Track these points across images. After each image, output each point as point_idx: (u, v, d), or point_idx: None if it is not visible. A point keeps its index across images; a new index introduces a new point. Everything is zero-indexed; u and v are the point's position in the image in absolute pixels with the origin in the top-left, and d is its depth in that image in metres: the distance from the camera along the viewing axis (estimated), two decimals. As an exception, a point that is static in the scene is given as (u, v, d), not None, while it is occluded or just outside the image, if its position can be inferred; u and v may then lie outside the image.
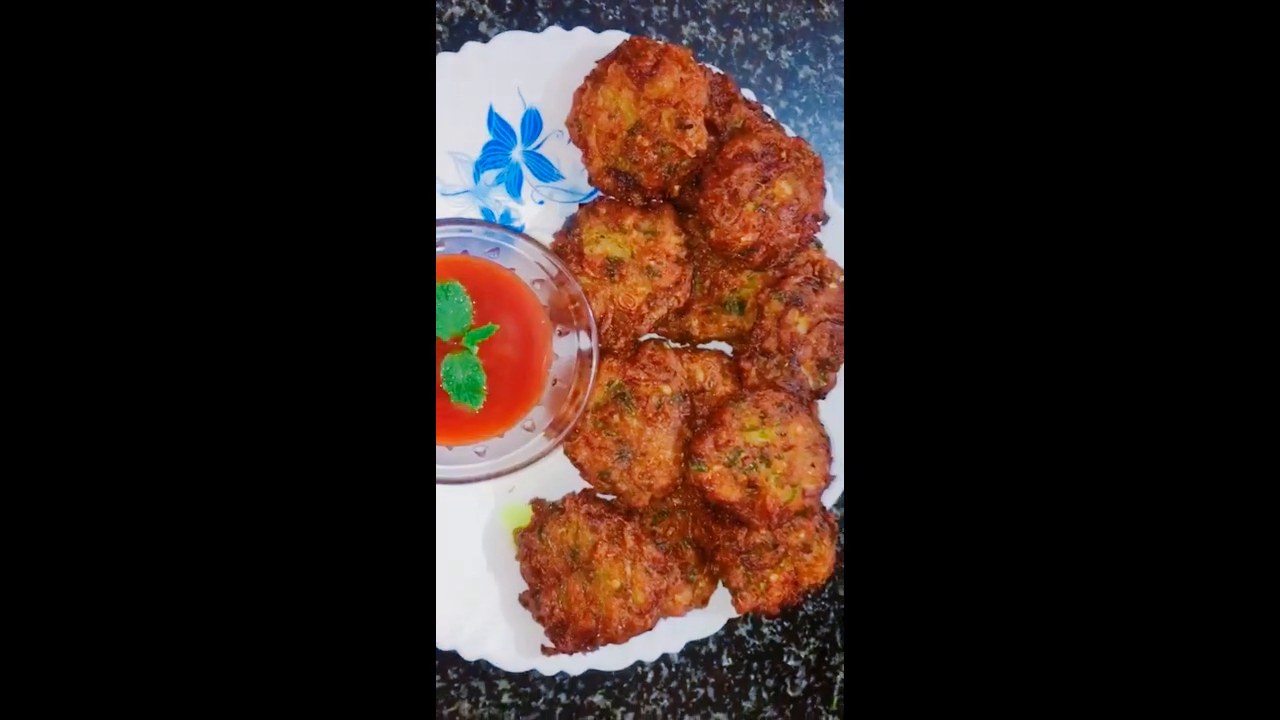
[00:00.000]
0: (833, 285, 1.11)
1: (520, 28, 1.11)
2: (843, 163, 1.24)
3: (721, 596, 1.14)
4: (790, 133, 1.10)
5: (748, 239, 1.05)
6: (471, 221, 1.04)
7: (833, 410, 1.14)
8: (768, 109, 1.12)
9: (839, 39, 1.24)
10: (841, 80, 1.24)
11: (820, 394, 1.13)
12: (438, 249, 1.00)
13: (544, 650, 1.07)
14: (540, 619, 1.07)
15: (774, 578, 1.11)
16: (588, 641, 1.05)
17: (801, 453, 1.07)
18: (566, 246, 1.07)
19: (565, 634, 1.05)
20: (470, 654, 1.08)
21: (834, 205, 1.13)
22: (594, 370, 1.02)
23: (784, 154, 1.06)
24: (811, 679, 1.29)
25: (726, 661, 1.26)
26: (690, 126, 1.02)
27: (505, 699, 1.16)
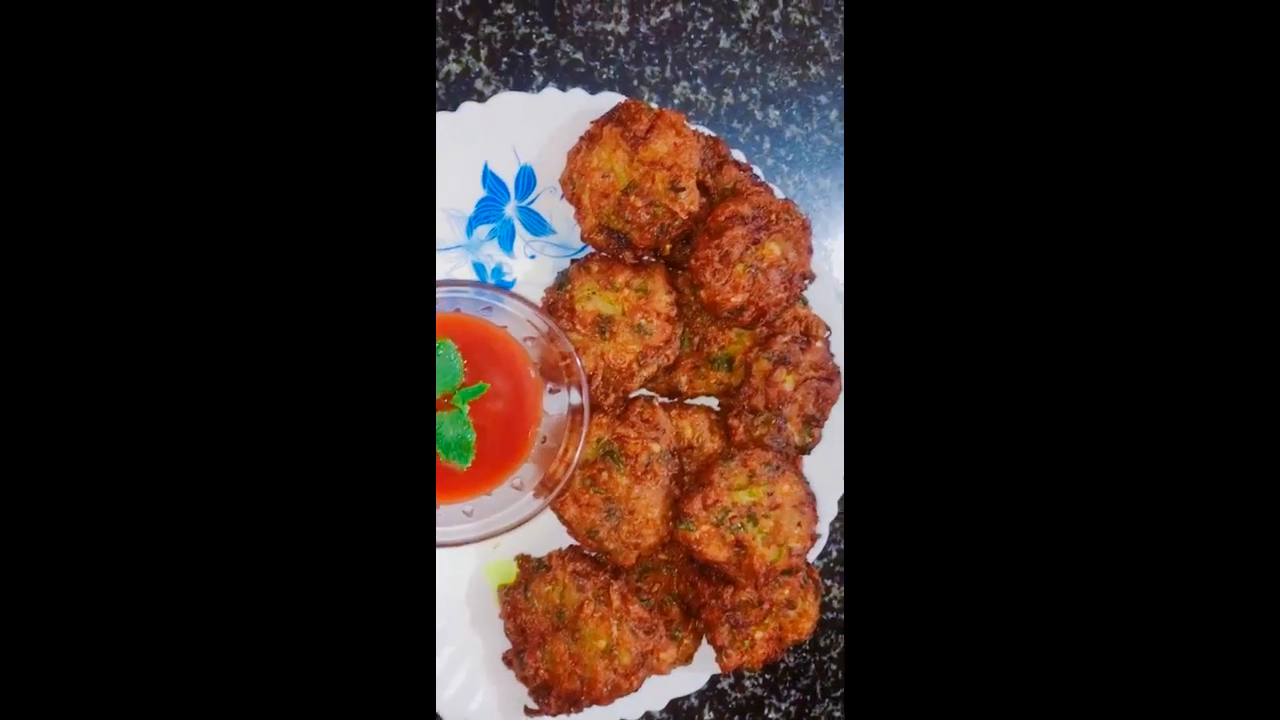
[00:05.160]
0: (819, 343, 1.13)
1: (515, 86, 1.12)
2: (827, 219, 1.26)
3: (705, 651, 1.14)
4: (779, 192, 1.12)
5: (738, 299, 1.06)
6: (464, 283, 1.04)
7: (819, 466, 1.15)
8: (757, 170, 1.14)
9: (824, 99, 1.27)
10: (827, 140, 1.27)
11: (805, 450, 1.14)
12: (430, 307, 1.00)
13: (527, 711, 1.06)
14: (524, 679, 1.05)
15: (759, 635, 1.11)
16: (572, 703, 1.03)
17: (788, 512, 1.07)
18: (558, 302, 1.07)
19: (549, 695, 1.04)
20: (452, 715, 1.06)
21: (821, 264, 1.15)
22: (585, 427, 1.02)
23: (774, 216, 1.07)
24: (792, 732, 1.29)
25: (708, 716, 1.25)
26: (683, 189, 1.03)
27: (486, 758, 1.14)
